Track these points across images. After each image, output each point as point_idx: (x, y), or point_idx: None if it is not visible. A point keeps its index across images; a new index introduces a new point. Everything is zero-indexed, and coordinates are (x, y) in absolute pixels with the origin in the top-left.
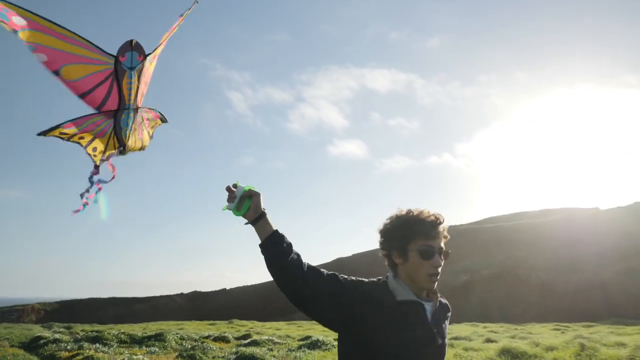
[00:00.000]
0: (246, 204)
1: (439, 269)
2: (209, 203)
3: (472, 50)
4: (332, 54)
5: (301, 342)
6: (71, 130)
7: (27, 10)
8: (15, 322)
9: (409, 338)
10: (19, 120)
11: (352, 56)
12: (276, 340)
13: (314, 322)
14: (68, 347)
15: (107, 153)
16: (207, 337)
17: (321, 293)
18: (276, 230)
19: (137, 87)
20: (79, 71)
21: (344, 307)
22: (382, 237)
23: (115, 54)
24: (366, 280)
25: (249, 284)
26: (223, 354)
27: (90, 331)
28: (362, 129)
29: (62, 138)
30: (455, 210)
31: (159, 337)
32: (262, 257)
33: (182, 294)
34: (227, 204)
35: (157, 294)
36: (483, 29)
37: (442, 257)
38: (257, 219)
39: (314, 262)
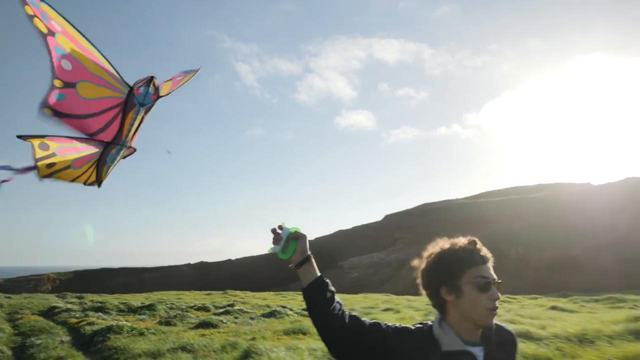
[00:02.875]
0: (292, 246)
1: (497, 303)
2: (219, 173)
3: (482, 17)
4: (339, 24)
5: (264, 311)
6: (54, 145)
7: (65, 19)
8: (32, 292)
9: None
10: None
11: (360, 26)
12: (247, 309)
13: (298, 292)
14: (76, 315)
15: (75, 182)
16: (191, 307)
17: (362, 347)
18: (321, 276)
19: (138, 127)
20: (93, 91)
21: (384, 352)
22: (425, 274)
23: (132, 84)
24: (412, 327)
25: (254, 255)
26: (194, 321)
27: (96, 301)
28: (371, 100)
29: (41, 151)
30: (462, 182)
31: (151, 307)
32: (305, 303)
33: (189, 264)
34: (272, 245)
35: (166, 264)
36: None
37: (497, 289)
38: (303, 262)
39: (316, 234)
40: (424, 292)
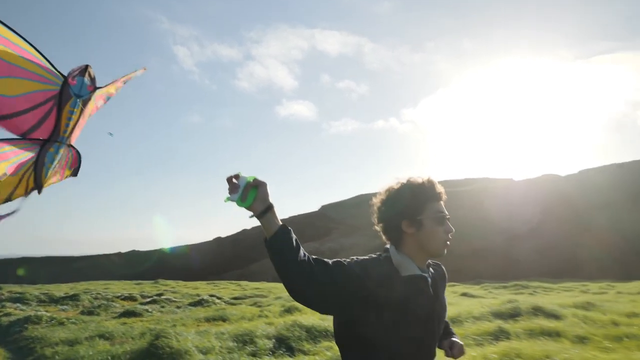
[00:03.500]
0: (251, 194)
1: (450, 235)
2: (153, 160)
3: (421, 15)
4: (282, 12)
5: (192, 300)
6: None
7: None
8: None
9: (417, 314)
10: None
11: (302, 15)
12: (175, 299)
13: (234, 281)
14: None
15: (14, 196)
16: (118, 297)
17: (329, 289)
18: (284, 224)
19: (77, 122)
20: (18, 87)
21: (351, 296)
22: (385, 207)
23: (66, 74)
24: (368, 257)
25: (189, 243)
26: (119, 310)
27: (15, 292)
28: (312, 91)
29: None
30: (397, 175)
31: (75, 297)
32: (269, 254)
33: (120, 253)
34: (228, 195)
35: (96, 252)
36: None
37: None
38: (265, 211)
39: (252, 224)
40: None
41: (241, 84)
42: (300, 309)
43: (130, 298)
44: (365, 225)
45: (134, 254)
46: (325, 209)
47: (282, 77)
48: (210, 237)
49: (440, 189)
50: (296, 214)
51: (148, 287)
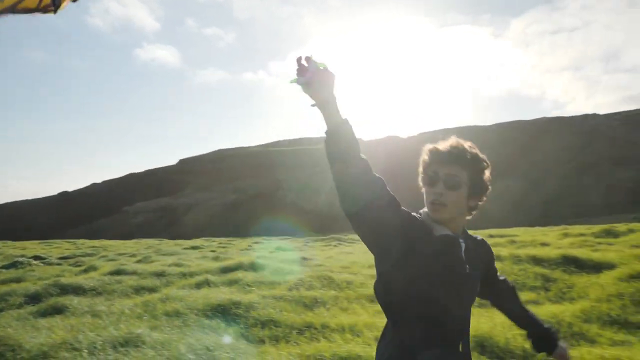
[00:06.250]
0: None
1: (443, 197)
2: None
3: None
4: None
5: (6, 262)
6: None
7: None
8: None
9: (444, 271)
10: None
11: None
12: None
13: (69, 240)
14: None
15: (20, 6)
16: None
17: (386, 202)
18: (347, 119)
19: None
20: None
21: (397, 226)
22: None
23: None
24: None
25: (31, 198)
26: None
27: None
28: (176, 35)
29: None
30: (263, 129)
31: None
32: (327, 148)
33: None
34: (295, 77)
35: None
36: None
37: (445, 185)
38: (329, 101)
39: (104, 177)
40: None
41: (94, 20)
42: (97, 267)
43: None
44: (222, 181)
45: None
46: (183, 162)
47: (142, 17)
48: (55, 192)
49: (457, 152)
50: (152, 167)
51: None
